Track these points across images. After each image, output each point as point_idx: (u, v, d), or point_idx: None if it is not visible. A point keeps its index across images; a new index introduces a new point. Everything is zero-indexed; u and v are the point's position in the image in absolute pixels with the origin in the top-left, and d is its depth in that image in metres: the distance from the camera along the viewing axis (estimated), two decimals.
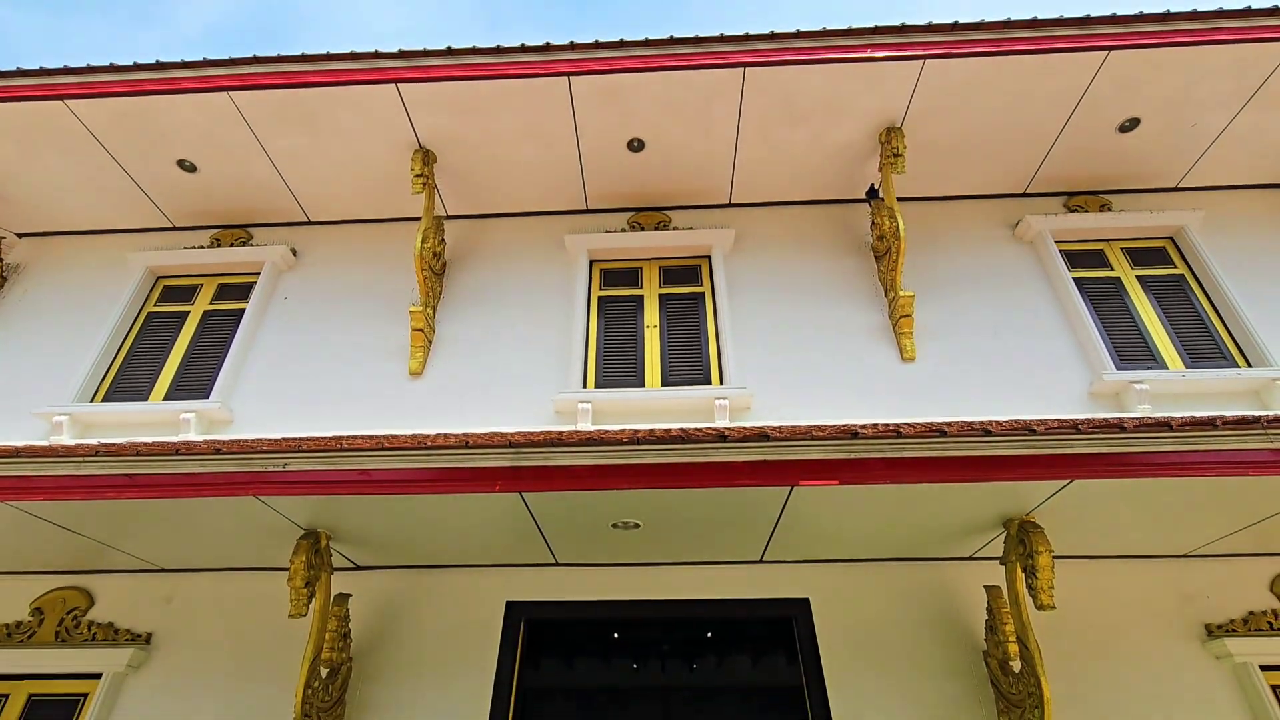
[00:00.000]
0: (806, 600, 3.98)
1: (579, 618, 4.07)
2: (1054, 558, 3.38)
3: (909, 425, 2.84)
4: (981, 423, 2.79)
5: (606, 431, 2.82)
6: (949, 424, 2.78)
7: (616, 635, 6.78)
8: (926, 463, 2.69)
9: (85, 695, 3.80)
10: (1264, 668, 3.58)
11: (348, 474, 2.80)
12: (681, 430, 2.79)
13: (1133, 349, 4.82)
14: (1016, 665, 3.44)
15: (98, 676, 3.82)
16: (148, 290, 5.68)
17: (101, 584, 4.22)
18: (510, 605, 4.05)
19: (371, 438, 2.85)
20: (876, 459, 2.71)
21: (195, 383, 5.09)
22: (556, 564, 4.15)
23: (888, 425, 2.88)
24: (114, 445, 2.92)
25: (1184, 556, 3.95)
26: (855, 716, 3.59)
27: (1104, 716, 3.50)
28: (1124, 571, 3.93)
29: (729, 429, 2.78)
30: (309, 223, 5.91)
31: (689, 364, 4.97)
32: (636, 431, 2.80)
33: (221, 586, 4.15)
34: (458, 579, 4.14)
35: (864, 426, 2.82)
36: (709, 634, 7.03)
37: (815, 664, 3.77)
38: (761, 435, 2.74)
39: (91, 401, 5.00)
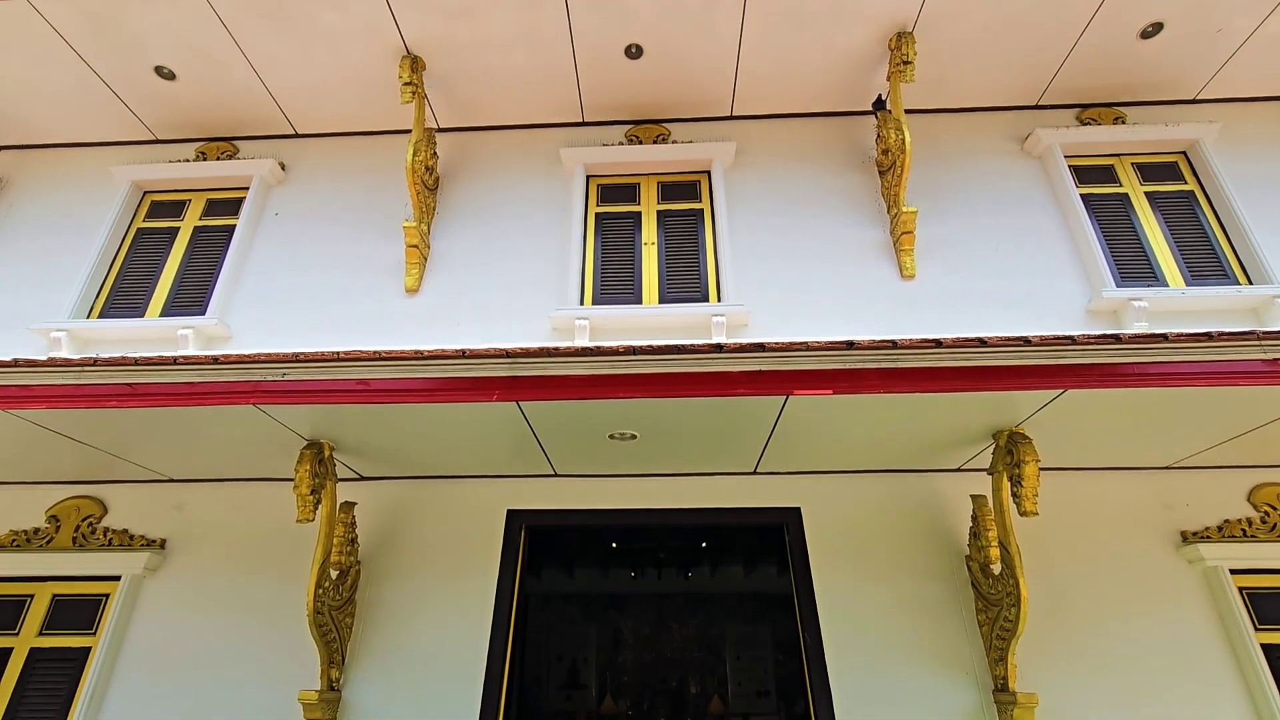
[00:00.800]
0: (798, 509, 4.11)
1: (578, 525, 4.21)
2: (1040, 468, 3.47)
3: (906, 340, 2.85)
4: (977, 336, 2.80)
5: (603, 345, 2.83)
6: (945, 338, 2.79)
7: (614, 544, 7.03)
8: (921, 373, 2.72)
9: (106, 595, 3.98)
10: (1234, 571, 3.74)
11: (346, 383, 2.83)
12: (677, 344, 2.80)
13: (1135, 266, 4.78)
14: (997, 568, 3.59)
15: (117, 578, 3.99)
16: (135, 205, 5.56)
17: (114, 493, 4.34)
18: (511, 514, 4.18)
19: (369, 351, 2.86)
20: (872, 369, 2.74)
21: (190, 299, 5.07)
22: (555, 475, 4.26)
23: (885, 340, 2.89)
24: (114, 357, 2.94)
25: (1166, 468, 4.06)
26: (842, 617, 3.78)
27: (1078, 614, 3.68)
28: (1106, 482, 4.05)
29: (726, 343, 2.79)
30: (296, 135, 5.72)
31: (687, 281, 4.93)
32: (633, 345, 2.80)
33: (232, 495, 4.27)
34: (459, 489, 4.25)
35: (861, 340, 2.83)
36: (703, 543, 7.30)
37: (805, 569, 3.94)
38: (758, 347, 2.75)
39: (88, 318, 4.99)
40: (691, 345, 2.79)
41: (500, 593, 3.95)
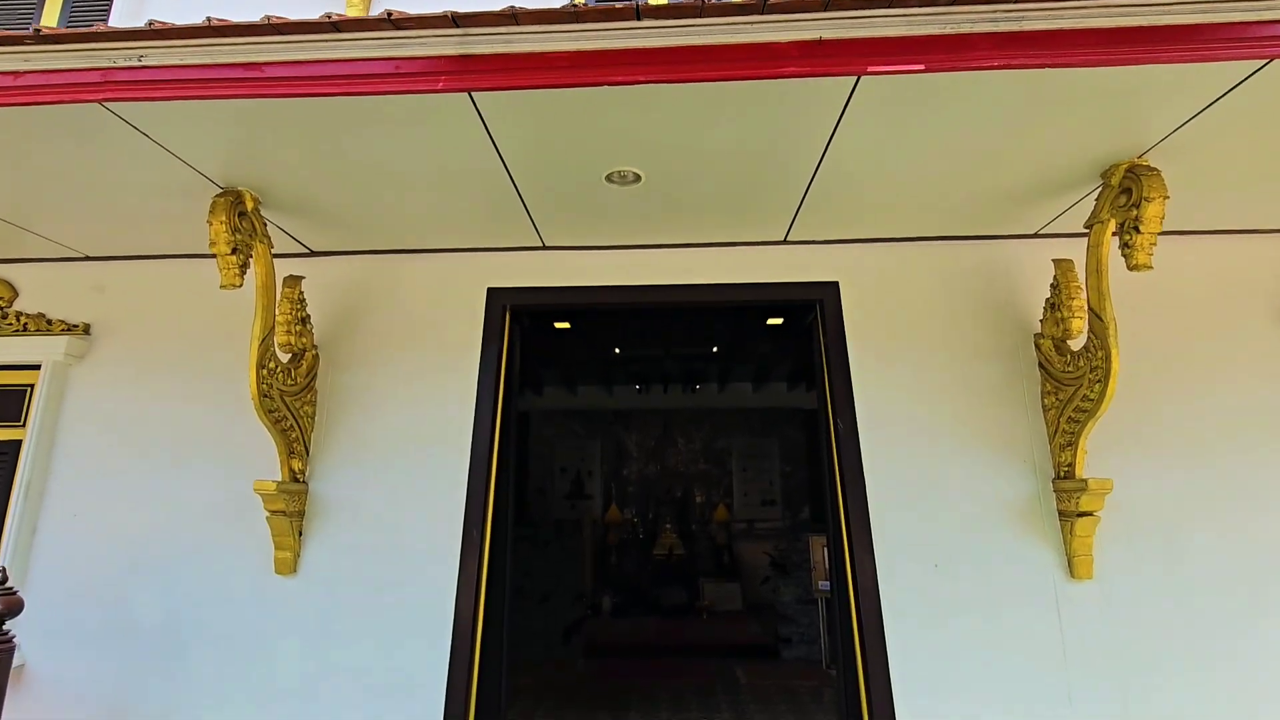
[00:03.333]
0: (835, 284, 3.43)
1: (570, 306, 3.57)
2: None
3: None
4: None
5: (592, 5, 1.95)
6: None
7: (611, 326, 6.43)
8: (1058, 36, 1.86)
9: (30, 386, 3.45)
10: None
11: (229, 69, 2.00)
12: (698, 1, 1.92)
13: None
14: (1078, 342, 2.98)
15: (37, 367, 3.43)
16: None
17: (23, 274, 3.67)
18: (492, 294, 3.52)
19: (255, 25, 1.99)
20: (984, 35, 1.88)
21: None
22: (545, 248, 3.54)
23: None
24: None
25: None
26: (881, 403, 3.24)
27: (1160, 396, 3.13)
28: (1210, 246, 3.32)
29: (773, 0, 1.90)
30: None
31: None
32: (638, 3, 1.92)
33: (160, 274, 3.60)
34: (429, 265, 3.56)
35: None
36: (714, 330, 6.75)
37: (840, 352, 3.33)
38: (821, 4, 1.87)
39: None
40: (723, 5, 1.91)
41: (483, 384, 3.40)
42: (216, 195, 2.78)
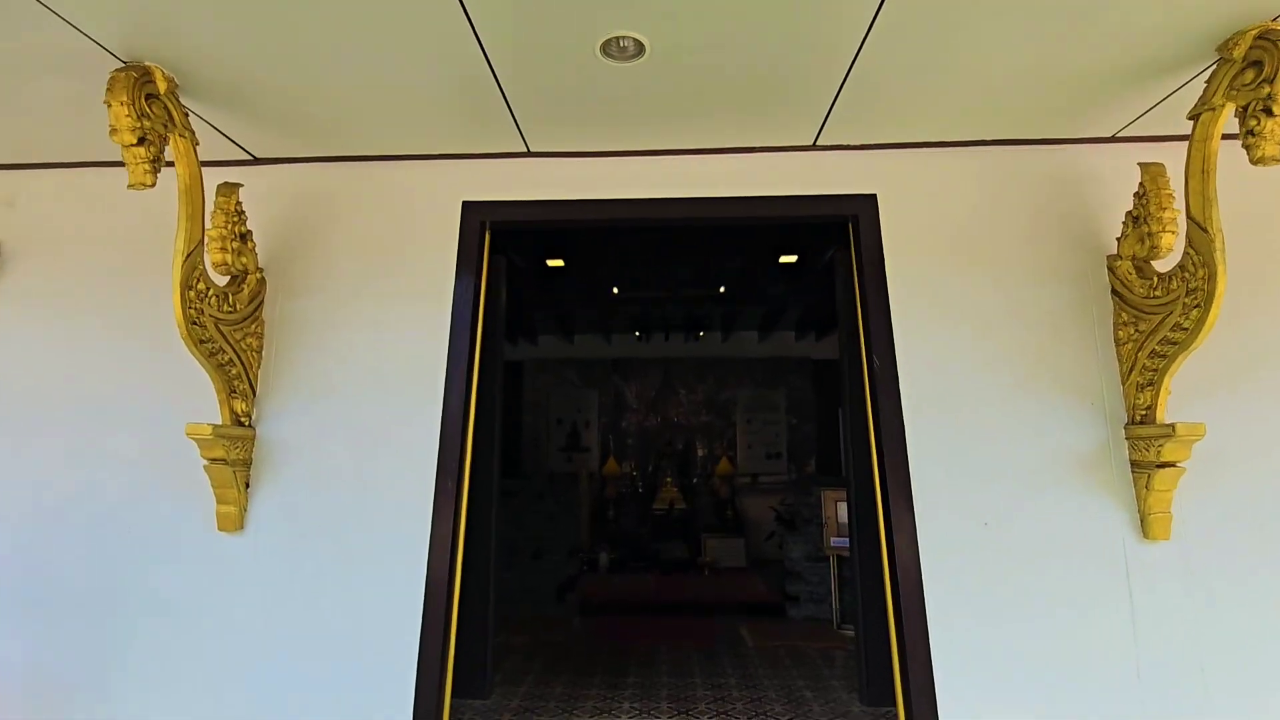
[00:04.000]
0: (872, 197, 2.91)
1: (559, 224, 3.06)
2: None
3: None
4: None
5: None
6: None
7: (608, 263, 5.89)
8: None
9: None
10: None
11: None
12: None
13: None
14: (1165, 263, 2.49)
15: None
16: None
17: None
18: (468, 207, 3.00)
19: None
20: None
21: None
22: (529, 154, 3.01)
23: None
24: None
25: None
26: (922, 335, 2.77)
27: (1266, 322, 2.66)
28: None
29: None
30: None
31: None
32: None
33: (76, 185, 3.08)
34: (396, 174, 3.04)
35: None
36: (721, 269, 6.20)
37: (878, 278, 2.84)
38: None
39: None
40: None
41: (458, 314, 2.91)
42: (116, 70, 2.24)
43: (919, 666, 2.51)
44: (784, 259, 5.62)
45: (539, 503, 5.97)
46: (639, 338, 9.07)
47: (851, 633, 5.18)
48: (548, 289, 6.44)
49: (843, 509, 5.27)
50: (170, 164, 2.44)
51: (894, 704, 3.63)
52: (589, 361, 9.42)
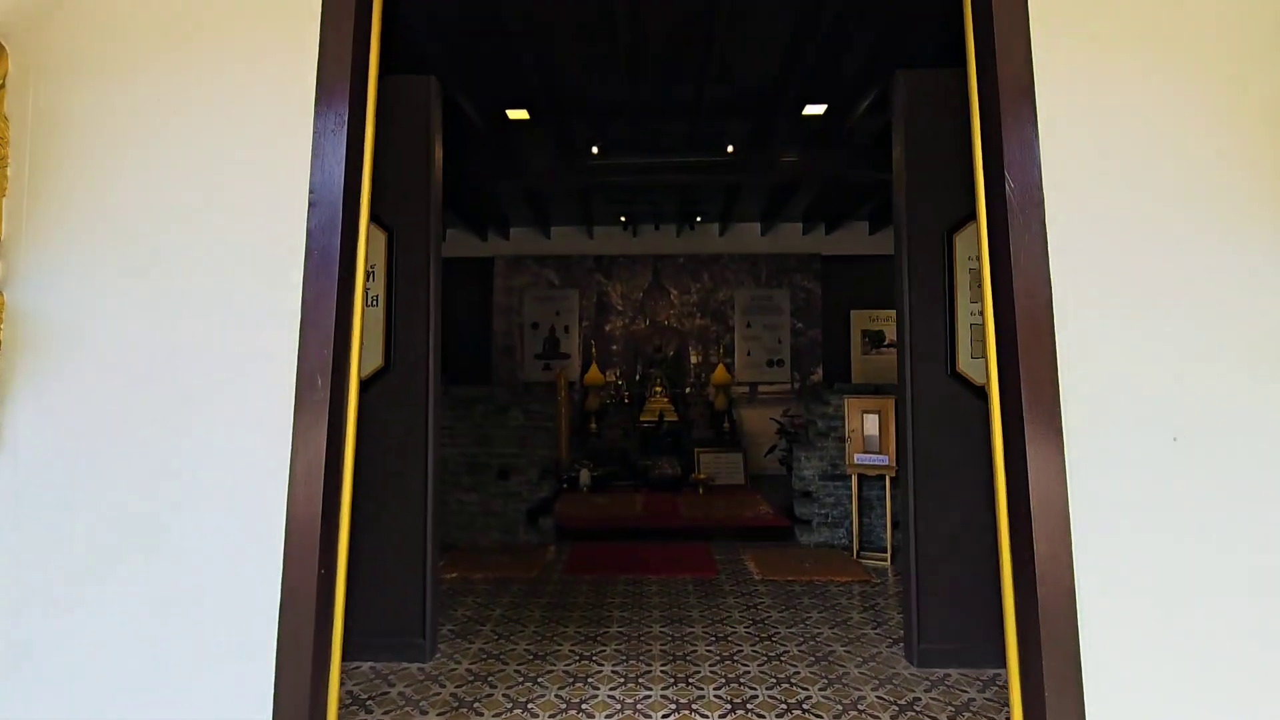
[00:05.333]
0: None
1: None
2: None
3: None
4: None
5: None
6: None
7: (584, 114, 4.66)
8: None
9: None
10: None
11: None
12: None
13: None
14: None
15: None
16: None
17: None
18: None
19: None
20: None
21: None
22: None
23: None
24: None
25: None
26: (1089, 151, 1.71)
27: None
28: None
29: None
30: None
31: None
32: None
33: None
34: None
35: None
36: (728, 123, 4.92)
37: (1016, 42, 1.74)
38: None
39: None
40: None
41: (324, 118, 1.79)
42: None
43: (1060, 644, 1.61)
44: (810, 109, 4.44)
45: (503, 414, 5.01)
46: (625, 225, 7.89)
47: (876, 562, 4.41)
48: (511, 153, 5.23)
49: (871, 421, 4.37)
50: None
51: (953, 665, 2.85)
52: (569, 258, 8.28)
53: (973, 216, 2.97)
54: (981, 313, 2.92)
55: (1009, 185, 1.67)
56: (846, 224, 8.02)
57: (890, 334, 8.15)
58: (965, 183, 3.03)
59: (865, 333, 8.14)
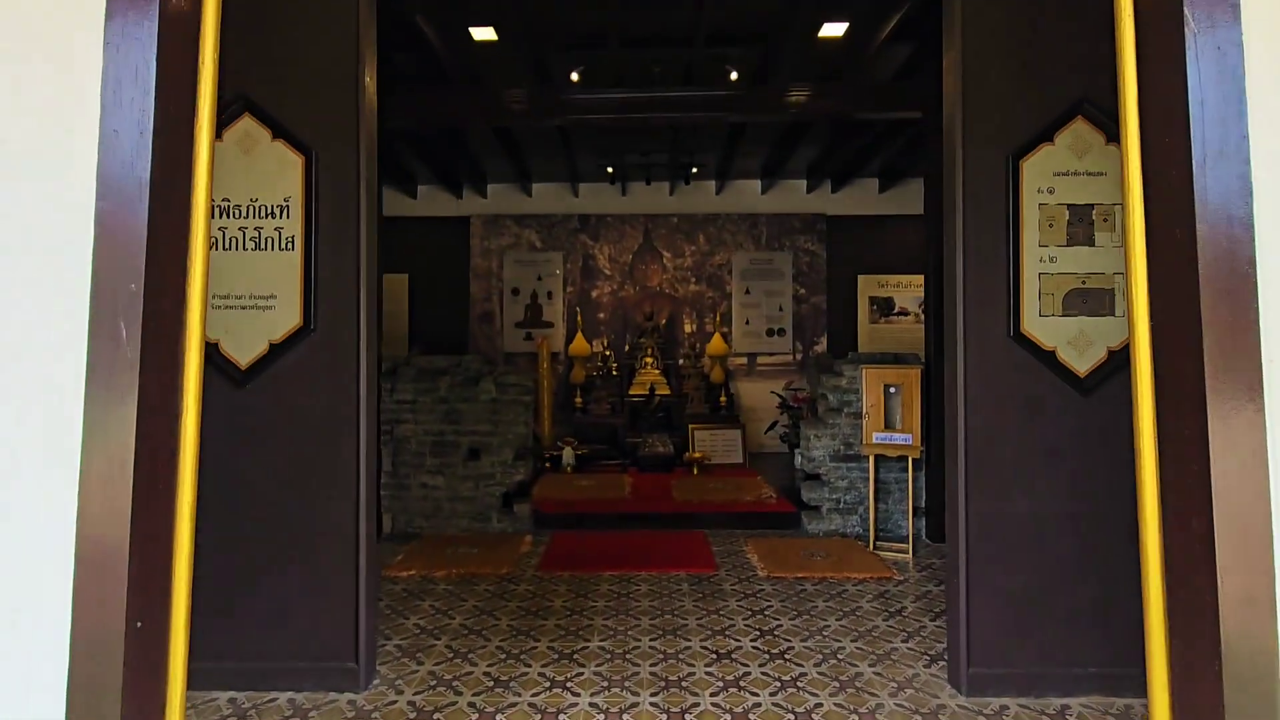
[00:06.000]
0: None
1: None
2: None
3: None
4: None
5: None
6: None
7: (559, 30, 3.94)
8: None
9: None
10: None
11: None
12: None
13: None
14: None
15: None
16: None
17: None
18: None
19: None
20: None
21: None
22: None
23: None
24: None
25: None
26: None
27: None
28: None
29: None
30: None
31: None
32: None
33: None
34: None
35: None
36: (738, 39, 4.22)
37: None
38: None
39: None
40: None
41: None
42: None
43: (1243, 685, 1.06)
44: (827, 29, 3.78)
45: (474, 387, 4.42)
46: (613, 180, 7.22)
47: (895, 555, 3.89)
48: (480, 85, 4.56)
49: (892, 395, 3.80)
50: None
51: (1010, 694, 2.33)
52: (552, 217, 7.63)
53: (1044, 138, 2.38)
54: (1053, 259, 2.34)
55: (1193, 16, 1.07)
56: (854, 181, 7.39)
57: (901, 301, 7.58)
58: (1037, 95, 2.43)
59: (873, 299, 7.56)
